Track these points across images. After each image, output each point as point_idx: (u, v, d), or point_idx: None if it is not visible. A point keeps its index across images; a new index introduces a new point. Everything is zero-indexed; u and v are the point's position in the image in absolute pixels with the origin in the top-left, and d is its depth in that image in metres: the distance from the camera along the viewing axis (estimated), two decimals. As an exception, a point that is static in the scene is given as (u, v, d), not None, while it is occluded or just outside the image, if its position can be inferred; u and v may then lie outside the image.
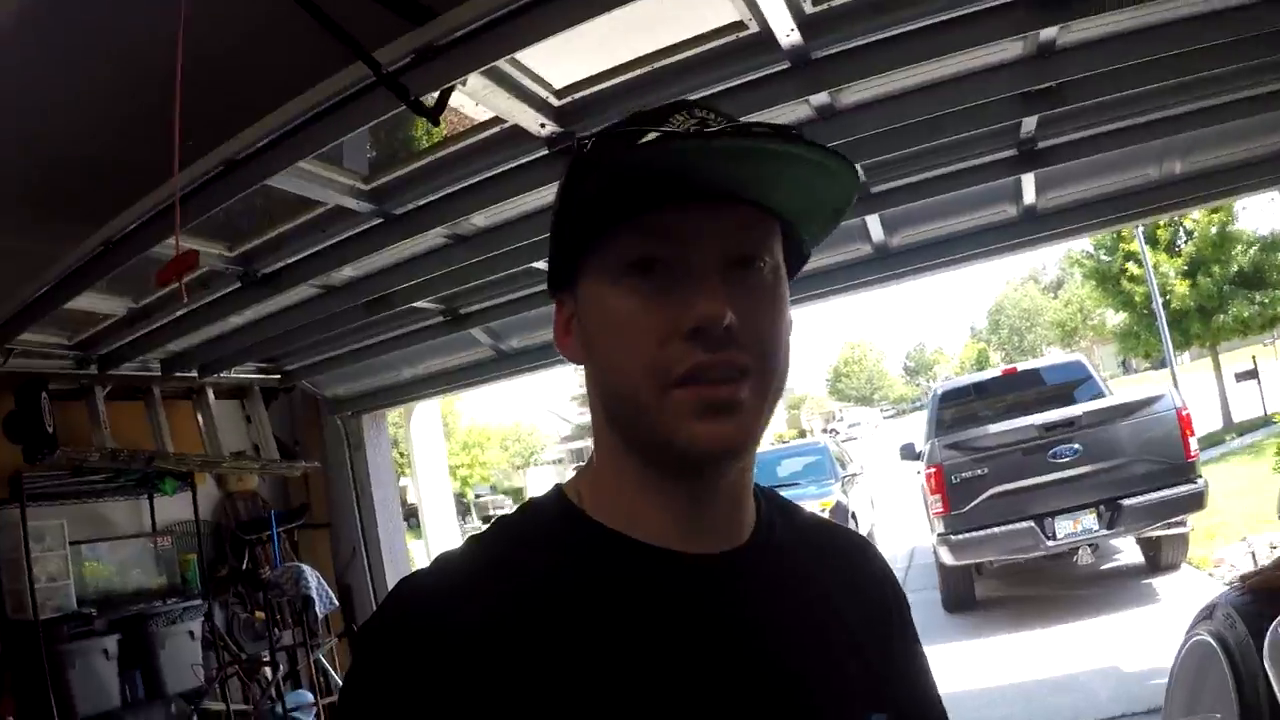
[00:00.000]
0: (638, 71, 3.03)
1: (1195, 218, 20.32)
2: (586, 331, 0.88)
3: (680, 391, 0.81)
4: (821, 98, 3.30)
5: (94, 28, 2.87)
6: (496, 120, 3.17)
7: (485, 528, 0.92)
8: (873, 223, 4.83)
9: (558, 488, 0.94)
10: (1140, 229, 20.17)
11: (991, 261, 5.26)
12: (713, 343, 0.80)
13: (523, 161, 3.41)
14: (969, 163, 4.33)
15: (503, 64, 2.69)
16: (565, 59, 2.91)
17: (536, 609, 0.81)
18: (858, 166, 0.94)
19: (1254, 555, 8.90)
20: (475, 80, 2.61)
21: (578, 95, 3.08)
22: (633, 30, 2.83)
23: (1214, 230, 20.29)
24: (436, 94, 2.52)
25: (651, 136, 0.81)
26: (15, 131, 3.40)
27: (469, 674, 0.77)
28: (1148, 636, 7.51)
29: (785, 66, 3.04)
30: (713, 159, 0.80)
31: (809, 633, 0.91)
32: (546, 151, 3.31)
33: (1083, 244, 22.94)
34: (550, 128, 3.12)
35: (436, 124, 2.51)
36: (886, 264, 5.21)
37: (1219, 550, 9.65)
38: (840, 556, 1.03)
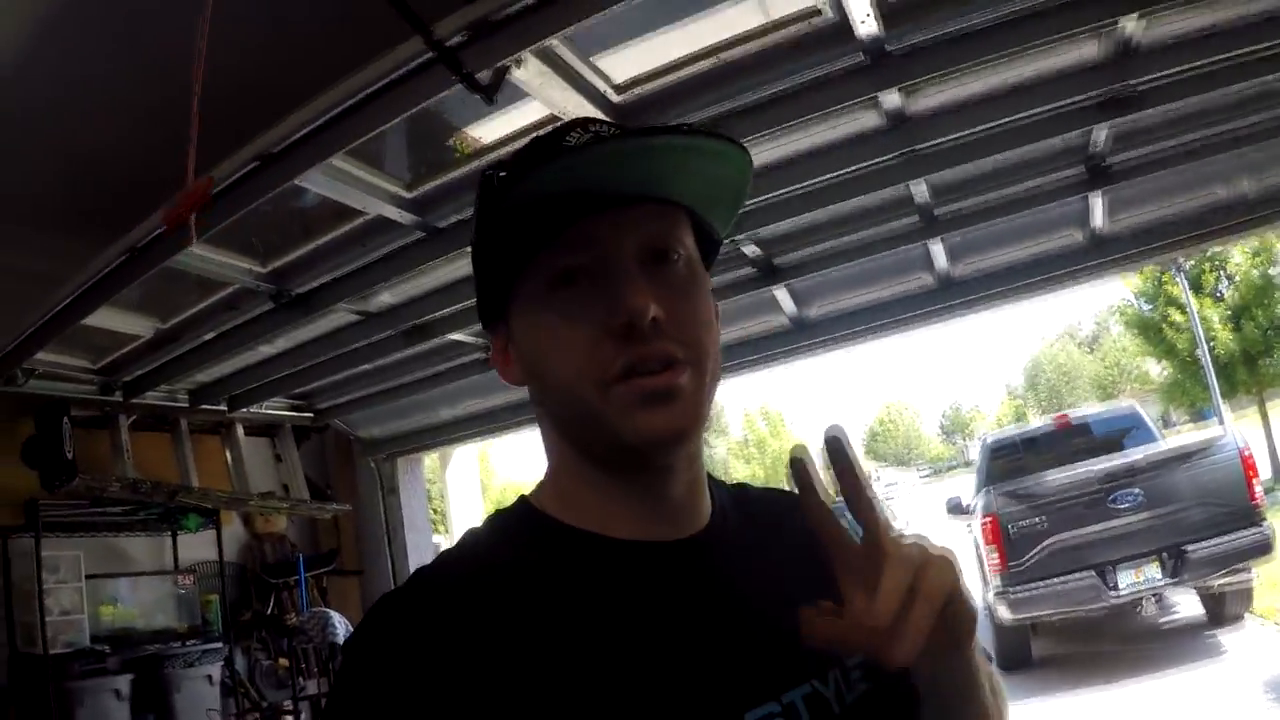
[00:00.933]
0: (701, 65, 2.84)
1: (1238, 262, 19.99)
2: (524, 354, 0.92)
3: (620, 387, 0.84)
4: (893, 100, 3.09)
5: (112, 30, 2.73)
6: (550, 120, 2.97)
7: (454, 544, 0.94)
8: (936, 251, 4.59)
9: (522, 498, 0.97)
10: (1183, 275, 19.82)
11: (1057, 291, 4.99)
12: (642, 336, 0.83)
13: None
14: (1038, 180, 4.12)
15: (560, 49, 2.51)
16: (626, 50, 2.73)
17: (511, 609, 0.82)
18: (746, 146, 0.91)
19: (1324, 607, 8.49)
20: (532, 64, 2.42)
21: (638, 91, 2.88)
22: (698, 18, 2.65)
23: (1257, 274, 19.89)
24: (490, 73, 2.33)
25: (549, 155, 0.85)
26: (35, 146, 3.26)
27: (450, 678, 0.78)
28: (1219, 693, 7.12)
29: (860, 60, 2.84)
30: (609, 164, 0.83)
31: (778, 598, 0.90)
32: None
33: (1124, 292, 22.59)
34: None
35: (491, 102, 2.32)
36: (950, 294, 4.97)
37: (1284, 601, 9.22)
38: (793, 519, 0.99)
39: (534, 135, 0.93)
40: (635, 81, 2.87)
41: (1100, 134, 3.70)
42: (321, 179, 3.09)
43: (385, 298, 4.48)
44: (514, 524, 0.94)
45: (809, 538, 0.97)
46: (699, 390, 0.87)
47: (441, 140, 3.21)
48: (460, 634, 0.80)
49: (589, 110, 2.78)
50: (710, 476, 1.01)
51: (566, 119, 2.86)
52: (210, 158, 2.96)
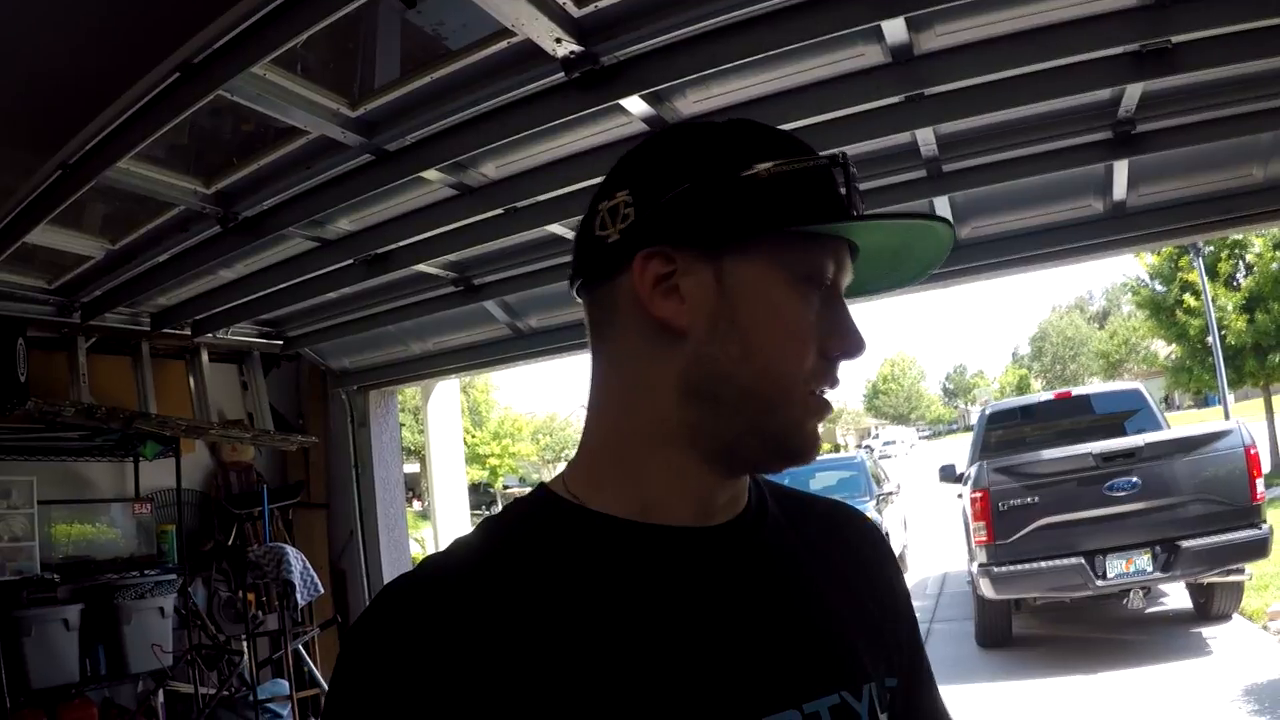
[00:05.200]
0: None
1: (1258, 251, 19.59)
2: (727, 312, 0.87)
3: (812, 397, 0.89)
4: (898, 32, 2.73)
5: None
6: (504, 33, 2.62)
7: (472, 530, 0.91)
8: (942, 207, 4.24)
9: (543, 485, 0.93)
10: (1200, 259, 19.44)
11: (1070, 263, 4.62)
12: (841, 371, 0.90)
13: (536, 89, 2.87)
14: (1059, 143, 3.75)
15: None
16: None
17: (524, 598, 0.80)
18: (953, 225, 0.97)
19: (1316, 611, 8.25)
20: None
21: (603, 3, 2.51)
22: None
23: (1276, 266, 19.48)
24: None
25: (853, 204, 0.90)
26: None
27: (461, 673, 0.76)
28: (1199, 692, 6.90)
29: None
30: (880, 231, 0.92)
31: (811, 601, 0.92)
32: (563, 77, 2.75)
33: (1138, 270, 22.20)
34: (568, 46, 2.57)
35: (411, 5, 1.98)
36: (956, 257, 4.57)
37: (1274, 603, 8.98)
38: (839, 531, 1.05)
39: (798, 140, 0.94)
40: (601, -7, 2.50)
41: (1133, 93, 3.33)
42: (250, 92, 2.78)
43: (343, 224, 4.18)
44: (532, 511, 0.91)
45: (858, 549, 1.05)
46: None
47: (387, 52, 2.87)
48: (470, 625, 0.78)
49: (542, 24, 2.43)
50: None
51: (518, 33, 2.56)
52: (133, 69, 2.72)
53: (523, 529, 0.89)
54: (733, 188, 0.86)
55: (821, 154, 0.92)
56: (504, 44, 2.66)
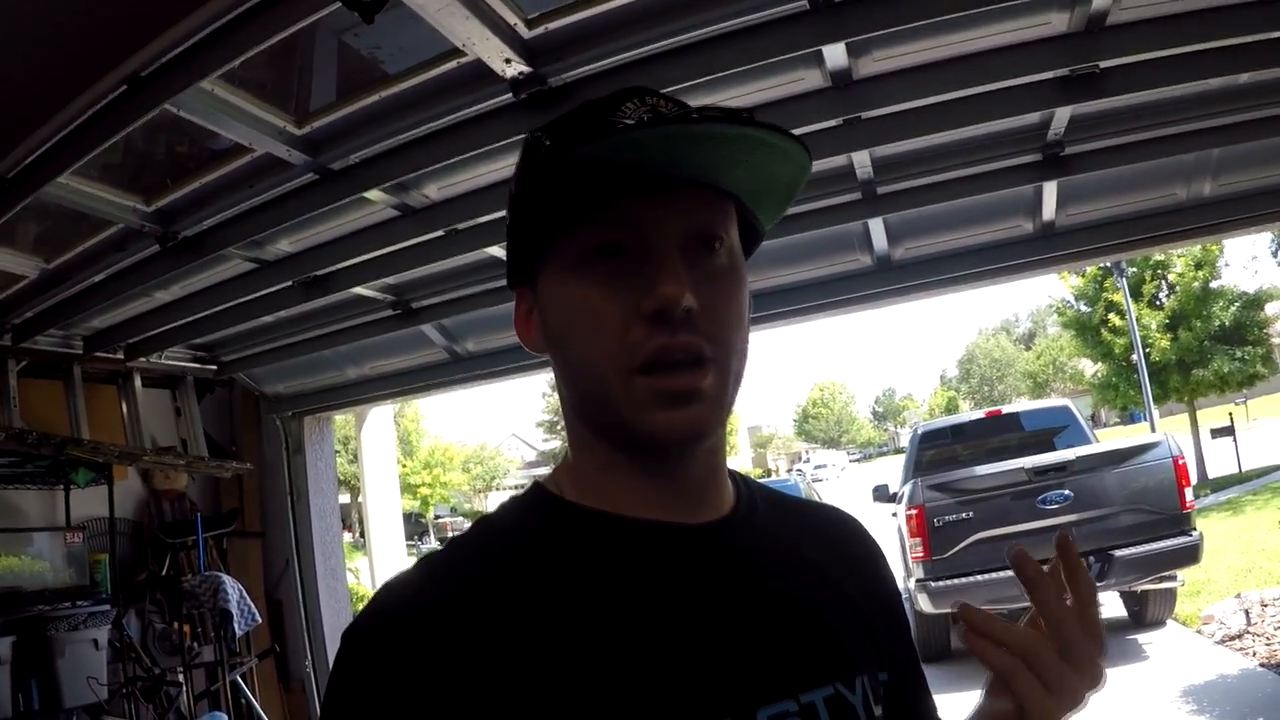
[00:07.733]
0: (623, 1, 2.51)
1: (1179, 271, 20.25)
2: (548, 323, 0.89)
3: (643, 379, 0.81)
4: (839, 57, 2.80)
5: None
6: (454, 53, 2.64)
7: (467, 528, 0.91)
8: (876, 229, 4.33)
9: (536, 482, 0.95)
10: (1124, 280, 20.04)
11: (1001, 282, 4.76)
12: (674, 325, 0.80)
13: (482, 109, 2.89)
14: (990, 165, 3.87)
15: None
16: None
17: (520, 593, 0.80)
18: (808, 146, 0.80)
19: (1247, 613, 8.50)
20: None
21: (553, 25, 2.55)
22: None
23: (1197, 285, 20.15)
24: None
25: (607, 128, 0.81)
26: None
27: (461, 665, 0.75)
28: (1138, 697, 7.06)
29: (800, 4, 2.54)
30: (669, 146, 0.78)
31: (801, 596, 0.91)
32: (511, 98, 2.78)
33: (1063, 292, 22.76)
34: (518, 66, 2.60)
35: (369, 21, 2.00)
36: (888, 277, 4.70)
37: (1207, 607, 9.24)
38: (829, 531, 1.05)
39: (586, 100, 0.87)
40: (551, 14, 2.54)
41: (1061, 116, 3.46)
42: (198, 107, 2.76)
43: (283, 245, 4.15)
44: (525, 507, 0.92)
45: (848, 548, 1.04)
46: (721, 392, 0.84)
47: (336, 71, 2.88)
48: (467, 619, 0.78)
49: (492, 44, 2.46)
50: (743, 475, 1.01)
51: (469, 53, 2.59)
52: (79, 81, 2.69)
53: (514, 524, 0.90)
54: (514, 216, 0.91)
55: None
56: (453, 64, 2.68)
